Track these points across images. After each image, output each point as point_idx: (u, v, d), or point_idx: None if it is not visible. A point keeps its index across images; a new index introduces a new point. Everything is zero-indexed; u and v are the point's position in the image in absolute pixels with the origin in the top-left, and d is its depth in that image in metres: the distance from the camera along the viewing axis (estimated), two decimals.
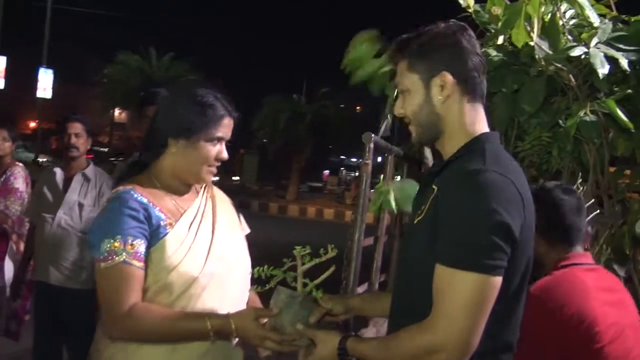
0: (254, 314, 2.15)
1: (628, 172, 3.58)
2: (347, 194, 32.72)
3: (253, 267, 2.36)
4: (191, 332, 2.19)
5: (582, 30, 3.28)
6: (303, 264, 2.18)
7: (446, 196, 1.80)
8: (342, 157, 49.14)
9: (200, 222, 2.39)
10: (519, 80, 3.33)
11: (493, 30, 3.45)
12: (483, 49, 3.42)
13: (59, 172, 4.73)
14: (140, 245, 2.21)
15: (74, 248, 4.44)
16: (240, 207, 2.68)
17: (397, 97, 2.04)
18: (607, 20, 3.28)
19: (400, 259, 2.35)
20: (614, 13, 3.46)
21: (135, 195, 2.28)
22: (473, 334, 1.72)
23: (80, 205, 4.57)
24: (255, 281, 2.30)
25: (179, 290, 2.25)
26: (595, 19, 3.22)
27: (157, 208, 2.30)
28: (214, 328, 2.15)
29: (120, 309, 2.15)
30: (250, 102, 33.94)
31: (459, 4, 3.55)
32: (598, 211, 3.34)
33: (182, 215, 2.36)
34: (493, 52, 3.38)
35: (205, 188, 2.54)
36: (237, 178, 35.66)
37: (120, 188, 2.33)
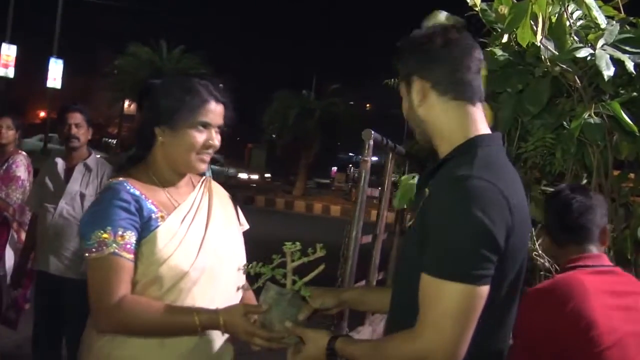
0: (243, 310, 2.14)
1: (632, 175, 3.54)
2: (354, 191, 32.70)
3: (254, 262, 2.34)
4: (179, 326, 2.17)
5: (588, 31, 3.24)
6: (293, 260, 2.16)
7: (433, 203, 1.79)
8: (350, 154, 49.18)
9: (194, 216, 2.37)
10: (524, 81, 3.30)
11: (499, 29, 3.41)
12: (489, 48, 3.39)
13: (60, 162, 4.74)
14: (131, 237, 2.19)
15: (75, 238, 4.44)
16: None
17: None
18: (614, 22, 3.24)
19: (399, 256, 2.33)
20: (622, 15, 3.42)
21: (128, 187, 2.27)
22: (460, 344, 1.69)
23: (82, 195, 4.58)
24: (251, 278, 2.27)
25: (168, 283, 2.23)
26: (602, 21, 3.19)
27: (150, 201, 2.28)
28: (202, 323, 2.14)
29: (109, 300, 2.14)
30: (260, 97, 34.01)
31: (467, 3, 3.52)
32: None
33: (175, 208, 2.34)
34: (499, 52, 3.35)
35: (203, 182, 2.52)
36: (268, 175, 35.41)
37: (113, 179, 2.31)
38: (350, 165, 46.31)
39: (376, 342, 1.96)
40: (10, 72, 31.66)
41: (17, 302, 4.95)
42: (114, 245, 2.16)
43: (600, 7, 3.29)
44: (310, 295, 2.16)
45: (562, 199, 2.56)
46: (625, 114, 2.99)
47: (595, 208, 2.56)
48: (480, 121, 1.91)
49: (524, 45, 3.10)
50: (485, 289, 1.70)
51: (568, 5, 3.24)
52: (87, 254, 2.19)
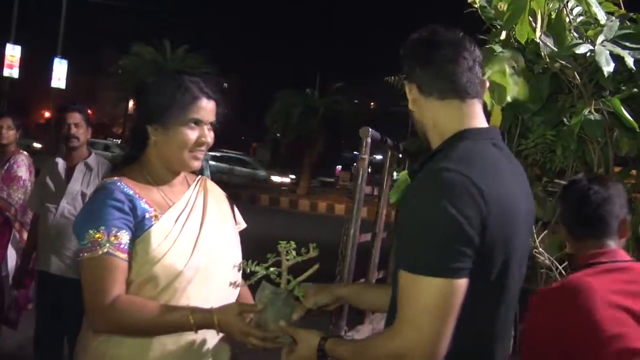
0: (238, 310, 2.14)
1: (633, 172, 3.52)
2: None
3: (249, 260, 2.33)
4: (174, 325, 2.17)
5: (588, 27, 3.22)
6: (287, 260, 2.15)
7: (407, 197, 1.81)
8: (355, 152, 49.19)
9: (189, 215, 2.37)
10: (524, 78, 3.28)
11: (499, 26, 3.40)
12: (488, 45, 3.38)
13: (61, 162, 4.75)
14: (124, 237, 2.19)
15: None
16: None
17: None
18: (613, 18, 3.23)
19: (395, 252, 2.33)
20: (622, 11, 3.40)
21: (122, 187, 2.26)
22: (439, 340, 1.67)
23: (83, 195, 4.58)
24: (247, 276, 2.27)
25: (163, 283, 2.22)
26: (602, 17, 3.17)
27: (143, 200, 2.28)
28: (196, 322, 2.14)
29: (103, 300, 2.13)
30: (264, 96, 34.03)
31: (466, 0, 3.51)
32: None
33: (169, 207, 2.33)
34: (498, 49, 3.33)
35: (198, 181, 2.52)
36: (292, 177, 35.28)
37: (107, 179, 2.31)
38: (355, 164, 46.17)
39: (361, 342, 1.95)
40: (15, 73, 31.73)
41: (18, 302, 4.96)
42: (108, 245, 2.16)
43: (600, 3, 3.27)
44: (304, 295, 2.16)
45: (579, 190, 2.46)
46: (626, 110, 2.97)
47: (614, 199, 2.45)
48: (471, 116, 1.90)
49: (523, 42, 3.09)
50: (461, 283, 1.68)
51: (568, 2, 3.22)
52: (80, 254, 2.19)
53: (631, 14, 3.38)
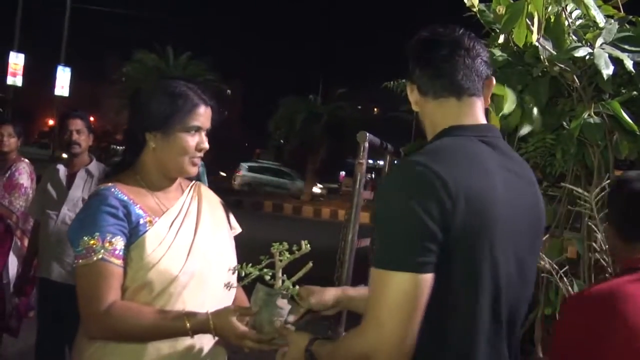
0: (233, 313, 2.13)
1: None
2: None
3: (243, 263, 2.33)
4: (170, 331, 2.17)
5: (587, 30, 3.22)
6: (281, 261, 2.15)
7: (378, 191, 1.81)
8: None
9: (183, 220, 2.37)
10: (523, 81, 3.28)
11: (498, 30, 3.39)
12: (488, 49, 3.37)
13: (62, 169, 4.75)
14: (119, 243, 2.19)
15: None
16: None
17: None
18: (612, 21, 3.22)
19: None
20: (622, 14, 3.40)
21: (116, 193, 2.27)
22: (404, 336, 1.64)
23: (84, 202, 4.57)
24: (242, 279, 2.27)
25: (158, 288, 2.22)
26: (600, 19, 3.17)
27: (138, 205, 2.28)
28: (193, 327, 2.13)
29: (99, 307, 2.13)
30: (267, 102, 34.07)
31: (464, 4, 3.51)
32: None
33: (164, 213, 2.33)
34: (497, 52, 3.33)
35: (192, 187, 2.52)
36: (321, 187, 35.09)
37: (102, 185, 2.31)
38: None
39: (336, 342, 1.92)
40: (19, 81, 31.77)
41: (19, 309, 4.95)
42: (102, 251, 2.16)
43: (599, 6, 3.27)
44: (300, 295, 2.16)
45: (632, 190, 2.27)
46: (626, 113, 2.96)
47: None
48: (466, 113, 1.89)
49: (521, 45, 3.08)
50: (425, 278, 1.64)
51: (566, 5, 3.22)
52: (75, 261, 2.19)
53: (630, 16, 3.37)
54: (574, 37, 3.23)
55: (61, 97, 34.76)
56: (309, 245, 2.16)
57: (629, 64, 2.97)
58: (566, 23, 3.22)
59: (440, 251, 1.65)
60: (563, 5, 3.17)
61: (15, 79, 31.54)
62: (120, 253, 2.19)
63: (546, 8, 3.09)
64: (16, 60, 31.49)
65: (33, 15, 35.96)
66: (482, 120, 1.92)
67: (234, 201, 24.81)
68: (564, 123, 3.29)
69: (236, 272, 2.22)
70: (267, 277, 2.14)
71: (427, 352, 1.69)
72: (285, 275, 2.16)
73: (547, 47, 3.10)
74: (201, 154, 2.37)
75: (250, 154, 44.09)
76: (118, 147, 40.13)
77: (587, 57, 3.06)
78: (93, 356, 2.26)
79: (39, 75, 39.02)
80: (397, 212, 1.67)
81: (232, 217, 2.65)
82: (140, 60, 31.66)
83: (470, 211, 1.68)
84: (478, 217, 1.70)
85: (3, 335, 5.03)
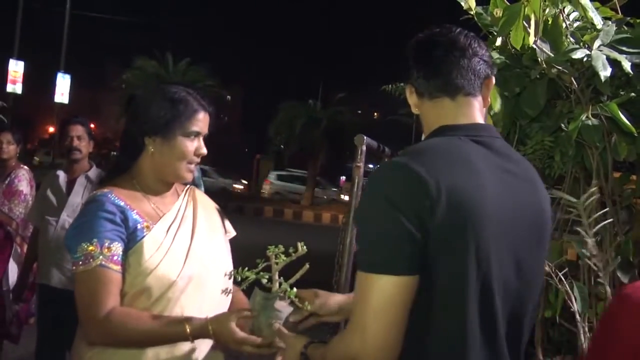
0: (232, 319, 2.13)
1: (634, 177, 3.50)
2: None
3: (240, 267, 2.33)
4: (170, 336, 2.17)
5: (585, 32, 3.21)
6: (277, 264, 2.15)
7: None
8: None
9: (180, 225, 2.37)
10: (521, 84, 3.27)
11: (495, 33, 3.39)
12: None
13: (62, 175, 4.76)
14: (117, 249, 2.19)
15: None
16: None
17: None
18: (610, 23, 3.22)
19: None
20: (619, 16, 3.39)
21: (112, 198, 2.27)
22: (387, 339, 1.62)
23: None
24: (239, 284, 2.27)
25: (157, 293, 2.22)
26: (598, 21, 3.16)
27: (135, 211, 2.28)
28: (192, 332, 2.13)
29: (98, 313, 2.13)
30: (267, 108, 34.08)
31: (462, 7, 3.51)
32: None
33: (160, 218, 2.33)
34: (495, 55, 3.32)
35: (187, 191, 2.52)
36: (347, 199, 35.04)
37: (98, 191, 2.31)
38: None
39: (327, 345, 1.88)
40: (18, 88, 31.74)
41: (19, 316, 4.95)
42: (101, 257, 2.16)
43: (597, 8, 3.26)
44: (302, 297, 2.16)
45: None
46: (624, 114, 2.96)
47: None
48: (458, 113, 1.88)
49: (518, 48, 3.08)
50: (407, 280, 1.62)
51: (564, 7, 3.21)
52: (74, 267, 2.18)
53: (628, 18, 3.37)
54: (571, 39, 3.23)
55: (61, 104, 34.76)
56: (305, 247, 2.16)
57: (626, 65, 2.96)
58: (564, 25, 3.22)
59: (423, 252, 1.63)
60: (560, 7, 3.17)
61: (15, 87, 31.50)
62: (119, 259, 2.19)
63: (543, 10, 3.09)
64: (16, 68, 31.46)
65: (33, 23, 35.98)
66: (478, 119, 1.89)
67: (235, 207, 24.83)
68: (562, 125, 3.28)
69: (232, 276, 2.22)
70: (264, 281, 2.14)
71: (415, 355, 1.67)
72: (282, 277, 2.16)
73: (544, 49, 3.09)
74: (198, 160, 2.38)
75: (250, 160, 44.09)
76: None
77: (585, 59, 3.05)
78: None
79: (39, 82, 39.08)
80: (374, 213, 1.66)
81: (226, 221, 2.65)
82: (140, 67, 31.70)
83: (452, 211, 1.64)
84: (461, 217, 1.66)
85: (3, 342, 5.02)
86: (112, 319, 2.13)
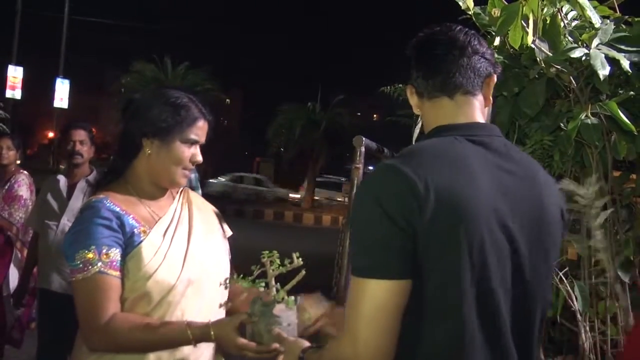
0: (233, 324, 2.13)
1: (634, 176, 3.50)
2: None
3: (235, 275, 2.34)
4: (172, 342, 2.18)
5: (583, 31, 3.21)
6: (273, 270, 2.15)
7: None
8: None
9: (176, 228, 2.37)
10: (520, 84, 3.27)
11: (493, 33, 3.39)
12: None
13: (62, 180, 4.76)
14: (116, 254, 2.19)
15: None
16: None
17: None
18: (608, 21, 3.22)
19: None
20: (618, 14, 3.39)
21: (108, 204, 2.26)
22: (379, 344, 1.60)
23: None
24: None
25: (157, 298, 2.22)
26: (596, 20, 3.16)
27: (131, 216, 2.28)
28: (194, 337, 2.13)
29: (99, 320, 2.13)
30: (267, 111, 34.07)
31: (459, 7, 3.51)
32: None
33: (156, 222, 2.33)
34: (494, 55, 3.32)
35: (181, 193, 2.52)
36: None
37: (93, 197, 2.31)
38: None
39: (323, 350, 1.86)
40: (18, 94, 31.70)
41: (21, 321, 4.95)
42: (100, 264, 2.15)
43: (595, 7, 3.26)
44: (296, 304, 2.16)
45: None
46: (623, 113, 2.95)
47: None
48: (455, 113, 1.86)
49: (517, 47, 3.08)
50: (397, 284, 1.60)
51: (562, 6, 3.21)
52: (73, 275, 2.18)
53: (626, 17, 3.37)
54: (570, 38, 3.23)
55: (60, 109, 34.75)
56: (300, 259, 2.16)
57: (625, 64, 2.96)
58: (562, 24, 3.21)
59: (415, 254, 1.60)
60: (558, 6, 3.16)
61: (14, 92, 31.47)
62: (117, 265, 2.19)
63: (541, 10, 3.09)
64: (15, 74, 31.44)
65: (31, 28, 35.95)
66: (478, 118, 1.86)
67: (235, 210, 24.84)
68: (562, 124, 3.28)
69: (227, 285, 2.23)
70: (261, 288, 2.14)
71: (408, 358, 1.65)
72: (279, 283, 2.16)
73: (543, 48, 3.09)
74: (193, 166, 2.39)
75: (250, 163, 44.12)
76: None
77: (584, 58, 3.05)
78: None
79: (38, 87, 39.09)
80: (363, 217, 1.65)
81: (224, 224, 2.66)
82: (138, 71, 31.64)
83: (442, 210, 1.61)
84: (452, 217, 1.62)
85: (4, 347, 5.03)
86: (114, 326, 2.13)
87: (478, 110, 1.88)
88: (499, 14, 3.15)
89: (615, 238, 3.32)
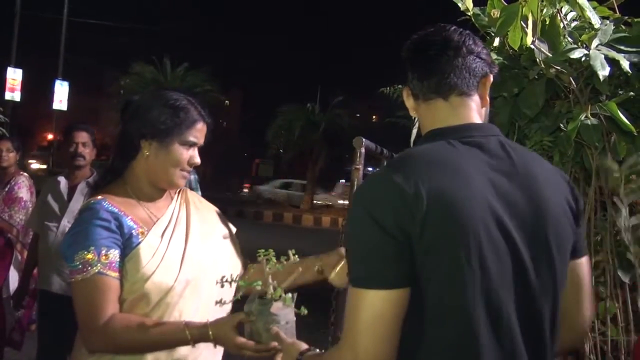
0: (231, 323, 2.13)
1: (634, 177, 3.49)
2: None
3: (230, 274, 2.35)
4: (171, 342, 2.18)
5: (583, 32, 3.21)
6: (269, 268, 2.16)
7: None
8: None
9: (174, 229, 2.38)
10: (520, 84, 3.27)
11: (493, 34, 3.39)
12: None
13: (63, 181, 4.77)
14: (115, 256, 2.20)
15: None
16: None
17: None
18: (608, 22, 3.22)
19: None
20: (617, 15, 3.39)
21: (106, 206, 2.27)
22: (377, 354, 1.58)
23: None
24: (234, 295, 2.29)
25: (155, 299, 2.23)
26: (596, 21, 3.16)
27: (129, 217, 2.29)
28: (193, 337, 2.14)
29: (98, 321, 2.14)
30: (266, 112, 34.07)
31: (459, 8, 3.51)
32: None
33: (154, 224, 2.34)
34: (493, 56, 3.32)
35: (179, 193, 2.53)
36: None
37: (92, 199, 2.31)
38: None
39: (321, 357, 1.84)
40: (17, 96, 31.73)
41: (21, 323, 4.95)
42: (99, 265, 2.16)
43: (594, 7, 3.26)
44: (293, 301, 2.16)
45: None
46: (623, 114, 2.95)
47: None
48: (450, 115, 1.84)
49: (516, 48, 3.08)
50: (395, 293, 1.58)
51: (561, 7, 3.22)
52: (72, 276, 2.18)
53: (626, 17, 3.37)
54: (569, 39, 3.22)
55: (59, 111, 34.76)
56: (297, 256, 2.19)
57: (625, 64, 2.95)
58: (561, 25, 3.21)
59: (411, 261, 1.59)
60: (558, 7, 3.16)
61: (13, 94, 31.49)
62: (116, 266, 2.20)
63: (541, 10, 3.09)
64: (14, 76, 31.46)
65: (30, 30, 35.96)
66: (474, 119, 1.84)
67: (235, 211, 24.84)
68: (561, 125, 3.28)
69: (222, 284, 2.24)
70: (258, 288, 2.14)
71: None
72: (275, 281, 2.16)
73: (542, 49, 3.09)
74: (191, 168, 2.40)
75: (249, 164, 44.13)
76: None
77: (583, 59, 3.05)
78: None
79: (37, 89, 39.09)
80: (357, 228, 1.64)
81: (227, 221, 2.67)
82: (138, 72, 31.63)
83: (435, 216, 1.59)
84: (446, 222, 1.60)
85: (4, 349, 5.03)
86: (113, 326, 2.13)
87: (474, 111, 1.85)
88: (498, 15, 3.15)
89: (615, 238, 3.32)
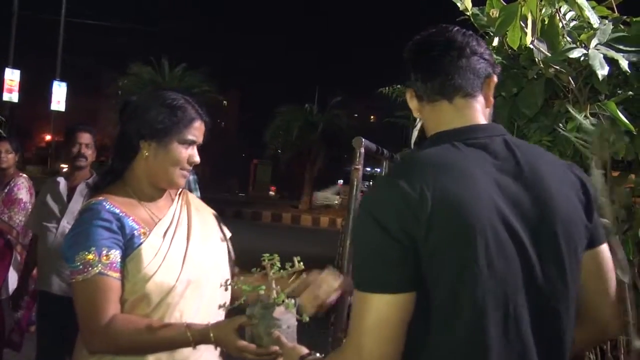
0: (233, 326, 2.14)
1: (632, 176, 3.49)
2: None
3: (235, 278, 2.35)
4: (172, 343, 2.19)
5: (582, 32, 3.21)
6: (273, 273, 2.16)
7: None
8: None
9: (175, 230, 2.39)
10: (519, 84, 3.27)
11: (492, 33, 3.40)
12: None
13: (62, 182, 4.78)
14: (116, 256, 2.20)
15: None
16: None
17: None
18: (606, 21, 3.22)
19: None
20: (616, 14, 3.39)
21: (107, 206, 2.27)
22: (382, 355, 1.58)
23: None
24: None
25: (156, 299, 2.23)
26: (595, 20, 3.16)
27: (131, 218, 2.29)
28: (194, 339, 2.14)
29: (99, 322, 2.14)
30: (264, 113, 34.06)
31: (458, 8, 3.51)
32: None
33: (156, 224, 2.34)
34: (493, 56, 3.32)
35: (180, 195, 2.53)
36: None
37: (92, 199, 2.31)
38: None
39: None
40: (15, 97, 31.76)
41: (20, 324, 4.95)
42: (100, 265, 2.16)
43: (593, 7, 3.26)
44: (297, 306, 2.16)
45: None
46: (622, 113, 2.95)
47: None
48: (455, 116, 1.83)
49: (515, 48, 3.08)
50: (400, 297, 1.58)
51: (560, 6, 3.22)
52: (73, 277, 2.18)
53: (624, 17, 3.37)
54: (568, 38, 3.23)
55: (57, 112, 34.76)
56: (301, 263, 2.18)
57: (624, 64, 2.96)
58: (560, 25, 3.21)
59: (416, 265, 1.58)
60: (557, 6, 3.17)
61: (11, 95, 31.52)
62: (117, 266, 2.20)
63: (540, 10, 3.09)
64: (12, 77, 31.48)
65: (27, 31, 35.93)
66: (478, 120, 1.83)
67: (234, 212, 24.83)
68: (560, 125, 3.28)
69: (226, 287, 2.24)
70: (261, 292, 2.14)
71: None
72: (279, 286, 2.16)
73: (541, 49, 3.09)
74: (191, 167, 2.40)
75: (247, 164, 44.07)
76: None
77: (582, 58, 3.04)
78: None
79: (35, 90, 39.04)
80: (363, 233, 1.65)
81: (223, 226, 2.67)
82: (135, 73, 31.63)
83: (441, 219, 1.58)
84: (452, 223, 1.59)
85: (4, 350, 5.02)
86: (114, 327, 2.13)
87: (479, 112, 1.84)
88: (497, 15, 3.15)
89: (614, 238, 3.32)
